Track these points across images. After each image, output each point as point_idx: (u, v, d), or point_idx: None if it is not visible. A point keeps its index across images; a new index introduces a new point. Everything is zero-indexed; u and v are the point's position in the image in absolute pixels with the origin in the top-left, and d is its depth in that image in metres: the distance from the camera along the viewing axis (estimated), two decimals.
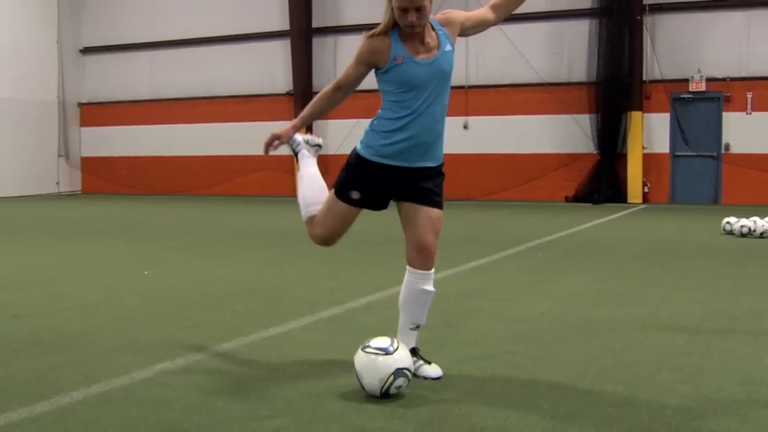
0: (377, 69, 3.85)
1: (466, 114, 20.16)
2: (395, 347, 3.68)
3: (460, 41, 4.07)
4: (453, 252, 8.75)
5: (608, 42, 18.78)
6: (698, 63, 18.45)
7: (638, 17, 18.63)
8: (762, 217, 11.09)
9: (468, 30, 4.05)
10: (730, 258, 8.73)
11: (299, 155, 4.41)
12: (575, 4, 19.22)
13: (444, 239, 4.29)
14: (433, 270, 3.95)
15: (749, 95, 18.13)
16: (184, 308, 5.88)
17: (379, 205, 4.02)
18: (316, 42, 22.03)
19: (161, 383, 3.88)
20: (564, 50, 19.64)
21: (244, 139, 21.90)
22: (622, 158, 19.06)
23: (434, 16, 3.91)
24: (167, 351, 4.52)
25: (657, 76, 18.85)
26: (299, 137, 4.37)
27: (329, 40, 21.93)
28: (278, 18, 22.16)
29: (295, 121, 4.08)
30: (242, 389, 3.79)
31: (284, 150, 4.37)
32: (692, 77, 18.46)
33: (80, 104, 25.34)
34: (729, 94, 18.28)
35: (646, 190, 19.04)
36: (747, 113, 18.23)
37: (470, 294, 6.44)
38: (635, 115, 18.83)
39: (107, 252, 9.51)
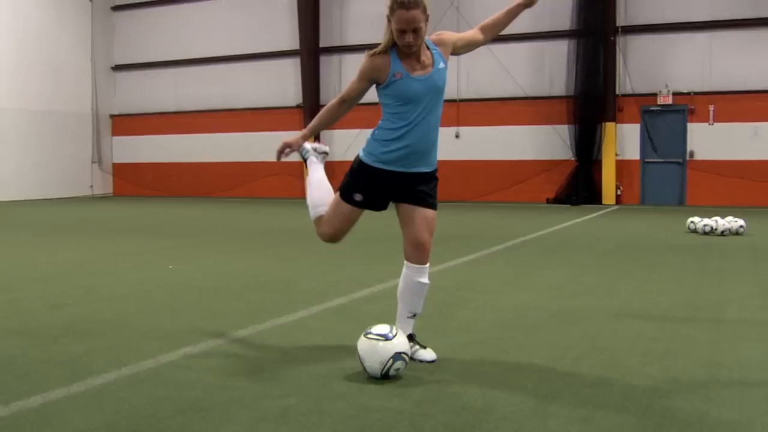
0: (378, 84, 3.84)
1: (458, 124, 20.15)
2: (394, 333, 3.68)
3: (453, 59, 4.07)
4: (446, 248, 8.75)
5: (585, 60, 18.83)
6: (665, 79, 18.47)
7: (612, 38, 18.66)
8: (723, 217, 11.10)
9: (459, 49, 4.04)
10: (694, 254, 8.72)
11: (308, 161, 4.41)
12: (555, 26, 19.22)
13: (438, 237, 4.29)
14: (428, 264, 3.95)
15: (711, 108, 18.14)
16: (205, 299, 5.88)
17: (380, 206, 4.02)
18: (323, 60, 22.04)
19: (185, 366, 3.88)
20: (545, 67, 19.65)
21: (259, 147, 21.90)
22: (597, 164, 19.08)
23: (429, 37, 3.90)
24: (190, 337, 4.52)
25: (628, 90, 18.86)
26: (308, 145, 4.37)
27: (335, 58, 21.93)
28: (289, 39, 22.18)
29: (304, 131, 4.07)
30: (257, 371, 3.79)
31: (295, 157, 4.36)
32: (660, 91, 18.49)
33: (112, 116, 25.34)
34: (693, 107, 18.30)
35: (619, 192, 19.04)
36: (709, 124, 18.24)
37: (461, 286, 6.43)
38: (609, 126, 18.85)
39: (136, 248, 9.50)
